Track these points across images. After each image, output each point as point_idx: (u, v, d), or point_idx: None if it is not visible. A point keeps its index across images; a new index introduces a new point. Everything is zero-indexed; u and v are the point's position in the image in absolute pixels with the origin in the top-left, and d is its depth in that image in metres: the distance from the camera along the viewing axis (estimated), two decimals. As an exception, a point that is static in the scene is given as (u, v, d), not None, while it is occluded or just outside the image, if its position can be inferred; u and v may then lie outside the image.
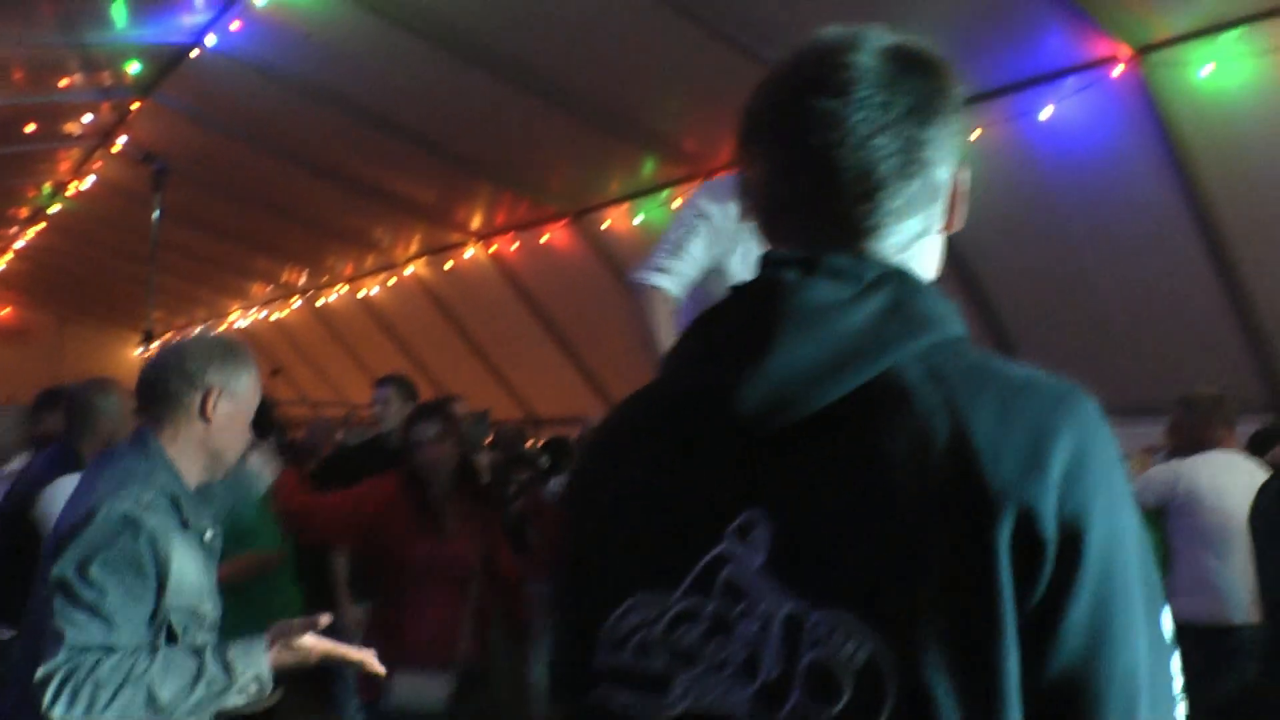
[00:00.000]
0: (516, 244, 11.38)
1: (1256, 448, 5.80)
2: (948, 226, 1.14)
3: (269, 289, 16.91)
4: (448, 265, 12.45)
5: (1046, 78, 6.55)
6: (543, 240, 10.84)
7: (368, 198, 11.31)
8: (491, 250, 11.76)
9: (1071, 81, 6.47)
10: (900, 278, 1.03)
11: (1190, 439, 5.30)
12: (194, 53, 9.01)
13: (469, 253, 11.97)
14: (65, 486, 3.37)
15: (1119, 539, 0.91)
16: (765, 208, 1.12)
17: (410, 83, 8.68)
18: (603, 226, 10.03)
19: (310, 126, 9.80)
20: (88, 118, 10.93)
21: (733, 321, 1.03)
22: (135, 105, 10.51)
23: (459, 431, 4.59)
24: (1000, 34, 6.34)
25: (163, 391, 2.51)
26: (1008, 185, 7.31)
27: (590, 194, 9.88)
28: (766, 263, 1.05)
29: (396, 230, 12.64)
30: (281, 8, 7.95)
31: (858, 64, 1.05)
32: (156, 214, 7.44)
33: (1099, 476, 0.92)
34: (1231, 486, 4.95)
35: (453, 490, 4.41)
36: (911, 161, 1.04)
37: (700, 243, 2.93)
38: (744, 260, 2.97)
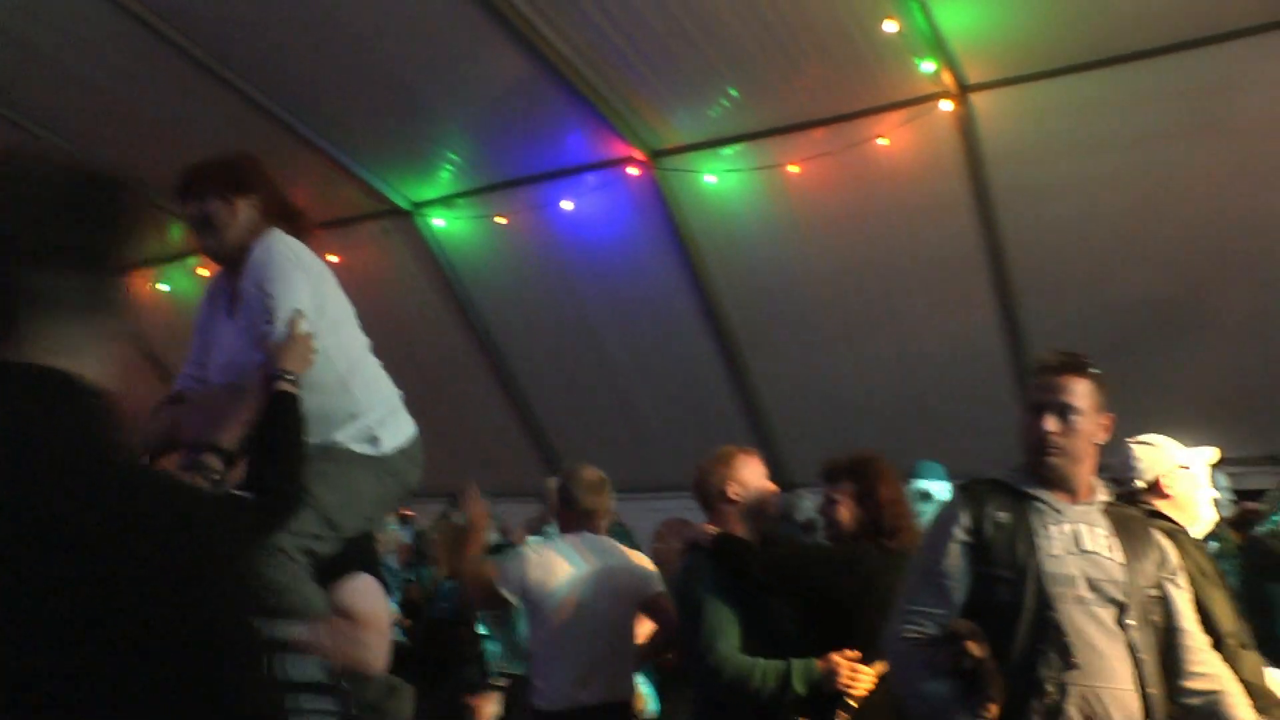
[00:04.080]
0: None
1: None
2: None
3: None
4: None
5: (568, 172, 6.80)
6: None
7: None
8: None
9: (591, 178, 6.75)
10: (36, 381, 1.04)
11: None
12: None
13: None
14: None
15: None
16: None
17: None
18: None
19: None
20: None
21: None
22: None
23: None
24: (526, 130, 6.50)
25: None
26: (534, 269, 7.41)
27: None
28: None
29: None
30: None
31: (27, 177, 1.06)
32: None
33: None
34: None
35: None
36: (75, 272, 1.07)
37: None
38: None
